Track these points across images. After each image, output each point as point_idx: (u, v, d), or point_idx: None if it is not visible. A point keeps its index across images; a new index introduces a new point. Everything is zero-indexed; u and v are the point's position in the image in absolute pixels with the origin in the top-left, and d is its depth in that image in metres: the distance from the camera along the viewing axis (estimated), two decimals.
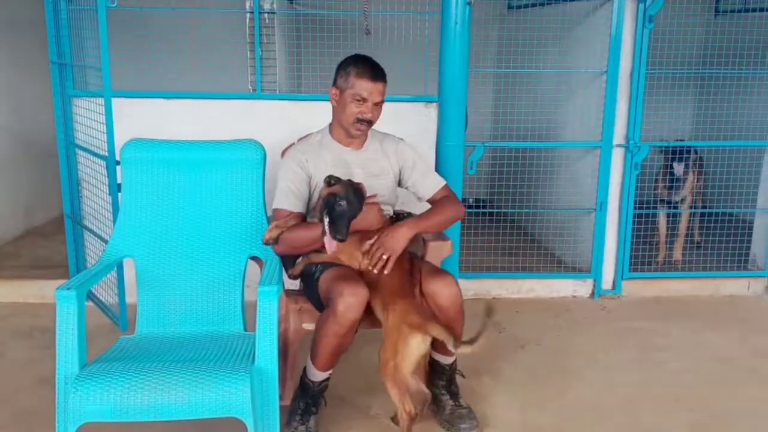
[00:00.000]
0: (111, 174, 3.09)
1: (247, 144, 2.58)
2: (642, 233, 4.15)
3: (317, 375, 2.36)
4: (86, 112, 3.39)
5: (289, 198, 2.43)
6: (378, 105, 2.44)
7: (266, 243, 2.37)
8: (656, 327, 3.53)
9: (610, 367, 3.06)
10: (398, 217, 2.62)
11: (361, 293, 2.19)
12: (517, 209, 4.65)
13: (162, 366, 2.00)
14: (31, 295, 3.70)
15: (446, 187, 2.62)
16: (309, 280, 2.46)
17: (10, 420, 2.51)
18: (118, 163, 2.89)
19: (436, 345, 2.29)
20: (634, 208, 3.91)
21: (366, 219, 2.31)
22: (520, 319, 3.61)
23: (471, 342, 2.16)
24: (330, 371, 2.38)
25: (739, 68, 4.18)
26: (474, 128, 3.81)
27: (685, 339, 3.40)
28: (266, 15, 3.76)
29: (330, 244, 2.24)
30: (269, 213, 2.54)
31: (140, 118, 3.50)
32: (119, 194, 2.99)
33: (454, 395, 2.53)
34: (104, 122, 3.05)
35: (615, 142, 3.83)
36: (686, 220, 4.34)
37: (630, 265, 3.98)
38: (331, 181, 2.29)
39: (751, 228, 4.25)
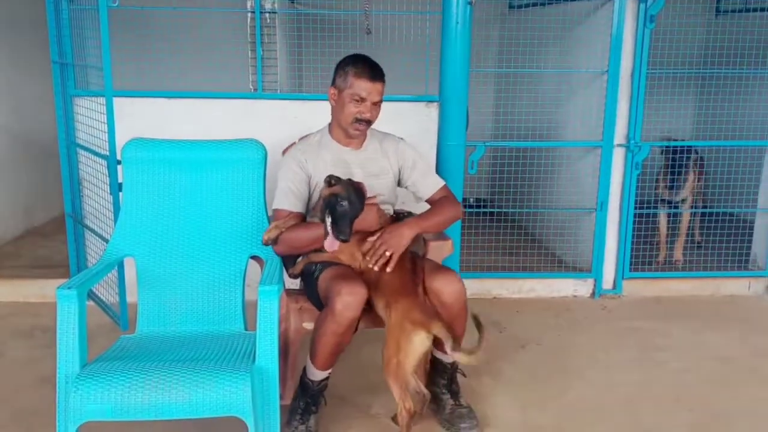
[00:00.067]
0: (112, 173, 3.10)
1: (248, 143, 2.59)
2: (643, 233, 4.15)
3: (317, 374, 2.36)
4: (87, 112, 3.39)
5: (288, 198, 2.43)
6: (377, 105, 2.44)
7: (265, 243, 2.37)
8: (657, 327, 3.53)
9: (611, 367, 3.06)
10: (398, 217, 2.62)
11: (359, 292, 2.19)
12: (517, 209, 4.65)
13: (163, 365, 2.01)
14: (32, 295, 3.70)
15: (445, 187, 2.62)
16: (309, 279, 2.46)
17: (10, 419, 2.51)
18: (119, 162, 2.89)
19: (438, 343, 2.29)
20: (635, 208, 3.92)
21: (365, 220, 2.31)
22: (521, 319, 3.61)
23: (470, 352, 2.17)
24: (329, 370, 2.38)
25: (739, 68, 4.18)
26: (475, 128, 3.81)
27: (686, 339, 3.40)
28: (267, 14, 3.76)
29: (332, 245, 2.24)
30: (270, 213, 2.54)
31: (141, 118, 3.50)
32: (120, 193, 2.99)
33: (455, 394, 2.53)
34: (105, 122, 3.06)
35: (616, 141, 3.83)
36: (686, 220, 4.34)
37: (630, 264, 3.98)
38: (331, 181, 2.28)
39: (751, 228, 4.25)
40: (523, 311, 3.74)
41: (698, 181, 4.35)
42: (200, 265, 2.49)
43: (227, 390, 1.91)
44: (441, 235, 2.69)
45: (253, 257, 2.53)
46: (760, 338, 3.42)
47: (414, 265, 2.39)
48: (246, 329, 2.47)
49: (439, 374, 2.54)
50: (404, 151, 2.61)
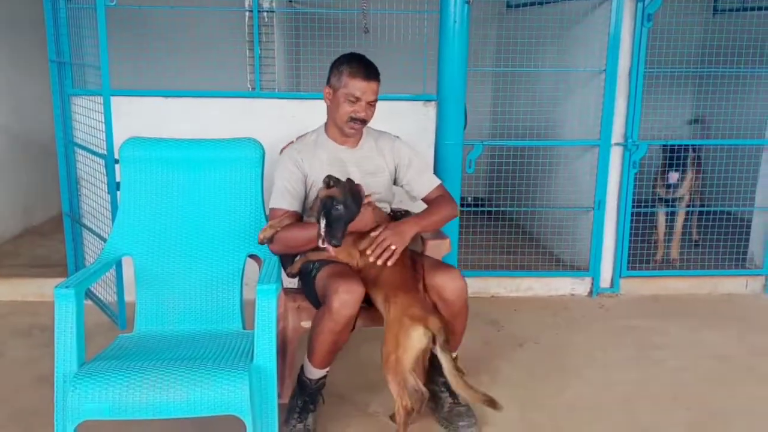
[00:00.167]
0: (110, 172, 3.09)
1: (245, 142, 2.59)
2: (640, 232, 4.16)
3: (314, 372, 2.37)
4: (85, 111, 3.39)
5: (285, 197, 2.44)
6: (371, 104, 2.44)
7: (261, 243, 2.38)
8: (654, 325, 3.54)
9: (609, 366, 3.07)
10: (395, 215, 2.62)
11: (356, 290, 2.19)
12: (515, 208, 4.65)
13: (161, 364, 2.01)
14: (30, 294, 3.70)
15: (441, 186, 2.63)
16: (307, 277, 2.46)
17: (9, 419, 2.51)
18: (116, 161, 2.90)
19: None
20: (633, 207, 3.92)
21: (362, 220, 2.31)
22: (519, 318, 3.61)
23: (457, 370, 2.20)
24: (327, 369, 2.38)
25: (737, 67, 4.18)
26: (473, 127, 3.81)
27: (683, 337, 3.40)
28: (265, 13, 3.76)
29: (327, 247, 2.25)
30: (267, 212, 2.54)
31: (139, 117, 3.50)
32: (118, 193, 3.00)
33: (453, 393, 2.53)
34: (103, 121, 3.06)
35: (613, 140, 3.83)
36: (682, 219, 4.35)
37: (628, 263, 3.99)
38: (330, 182, 2.28)
39: (749, 226, 4.26)
40: (521, 310, 3.75)
41: (696, 180, 4.36)
42: (198, 264, 2.49)
43: (225, 389, 1.91)
44: (439, 234, 2.69)
45: (251, 256, 2.54)
46: (757, 337, 3.43)
47: (414, 262, 2.39)
48: (244, 328, 2.47)
49: (438, 372, 2.53)
50: (400, 149, 2.61)
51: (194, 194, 2.54)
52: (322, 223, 2.23)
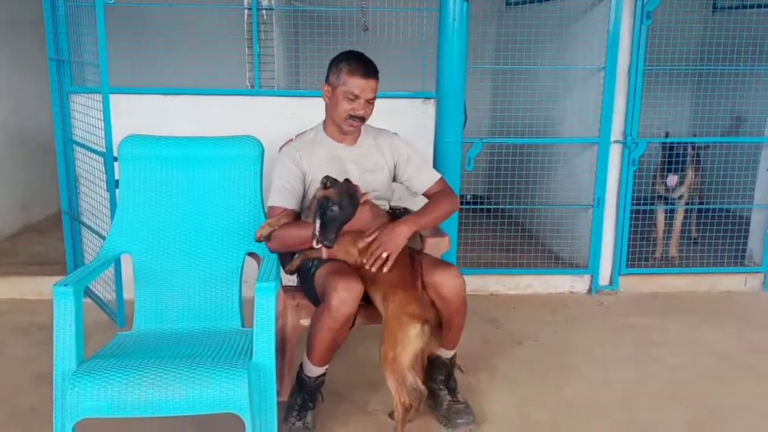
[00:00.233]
0: (109, 170, 3.09)
1: (245, 140, 2.58)
2: (639, 229, 4.16)
3: (313, 370, 2.37)
4: (84, 109, 3.39)
5: (283, 195, 2.43)
6: (370, 102, 2.43)
7: (258, 240, 2.38)
8: (653, 323, 3.54)
9: (607, 363, 3.07)
10: (394, 213, 2.62)
11: (355, 288, 2.19)
12: (514, 205, 4.65)
13: (159, 362, 2.01)
14: (29, 292, 3.70)
15: (442, 180, 2.62)
16: (305, 275, 2.46)
17: (7, 417, 2.51)
18: (115, 159, 2.89)
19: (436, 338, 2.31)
20: (632, 204, 3.92)
21: (359, 219, 2.31)
22: (518, 315, 3.62)
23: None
24: (326, 366, 2.38)
25: (736, 65, 4.18)
26: (472, 124, 3.80)
27: (682, 335, 3.40)
28: (264, 11, 3.75)
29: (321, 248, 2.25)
30: (266, 210, 2.54)
31: (138, 115, 3.49)
32: (117, 190, 3.00)
33: (452, 390, 2.54)
34: (102, 118, 3.06)
35: (612, 138, 3.83)
36: (681, 216, 4.35)
37: (627, 261, 3.99)
38: (327, 183, 2.28)
39: (748, 224, 4.26)
40: (520, 307, 3.75)
41: (695, 178, 4.36)
42: (197, 261, 2.49)
43: (224, 387, 1.91)
44: (438, 232, 2.69)
45: (250, 254, 2.54)
46: (756, 334, 3.43)
47: (412, 260, 2.39)
48: (243, 326, 2.47)
49: (437, 370, 2.54)
50: (398, 146, 2.61)
51: (193, 192, 2.54)
52: (317, 223, 2.23)
